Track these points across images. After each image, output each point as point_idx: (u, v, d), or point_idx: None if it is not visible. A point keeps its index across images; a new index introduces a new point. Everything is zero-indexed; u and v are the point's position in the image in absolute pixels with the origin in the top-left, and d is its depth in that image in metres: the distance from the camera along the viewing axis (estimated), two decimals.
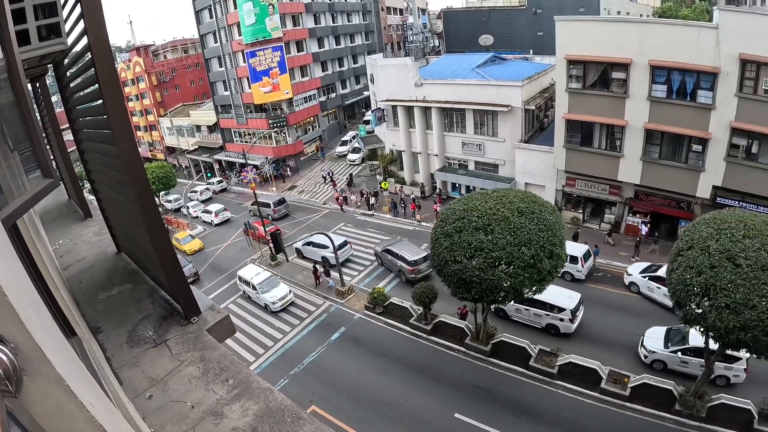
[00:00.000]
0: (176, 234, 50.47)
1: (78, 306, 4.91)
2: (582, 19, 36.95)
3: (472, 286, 22.68)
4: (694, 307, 19.54)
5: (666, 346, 26.57)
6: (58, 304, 3.80)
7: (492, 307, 28.32)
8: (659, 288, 31.31)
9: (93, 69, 3.66)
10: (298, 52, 67.37)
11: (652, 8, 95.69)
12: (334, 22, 74.97)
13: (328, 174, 61.32)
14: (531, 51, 66.89)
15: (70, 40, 4.43)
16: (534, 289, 23.17)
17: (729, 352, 21.84)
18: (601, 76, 36.19)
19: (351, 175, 61.56)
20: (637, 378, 24.85)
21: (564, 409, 24.60)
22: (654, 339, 27.19)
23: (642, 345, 27.49)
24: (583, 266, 34.52)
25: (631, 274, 33.81)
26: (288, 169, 67.30)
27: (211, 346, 4.28)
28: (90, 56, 3.64)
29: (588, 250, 35.78)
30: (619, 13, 75.37)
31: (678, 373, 25.98)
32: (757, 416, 22.50)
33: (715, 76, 32.14)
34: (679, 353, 26.01)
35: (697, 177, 35.25)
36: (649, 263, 34.36)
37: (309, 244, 40.56)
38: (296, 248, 41.69)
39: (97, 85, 3.73)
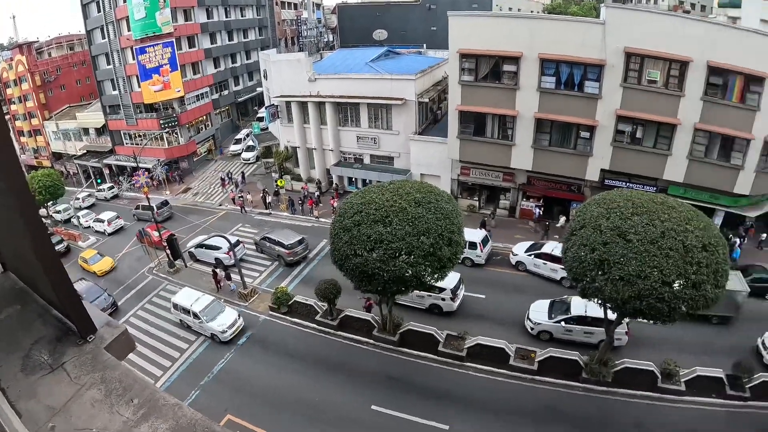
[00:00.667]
0: (82, 253, 45.04)
1: None
2: (474, 15, 38.21)
3: (374, 278, 22.93)
4: (590, 281, 20.76)
5: (550, 317, 28.47)
6: None
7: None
8: (545, 264, 33.90)
9: None
10: (190, 48, 65.28)
11: (543, 5, 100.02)
12: (227, 17, 73.34)
13: (227, 175, 59.45)
14: (425, 45, 68.11)
15: None
16: (435, 276, 23.69)
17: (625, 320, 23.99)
18: (492, 69, 37.56)
19: (243, 173, 60.28)
20: (544, 352, 26.26)
21: (477, 389, 25.60)
22: (539, 312, 29.06)
23: (528, 318, 29.24)
24: (482, 251, 35.92)
25: (516, 254, 35.87)
26: (179, 170, 64.71)
27: (112, 365, 4.05)
28: None
29: (486, 235, 37.33)
30: (510, 9, 78.06)
31: (564, 342, 27.85)
32: (660, 376, 24.61)
33: (601, 68, 34.50)
34: (563, 323, 27.92)
35: (585, 161, 37.49)
36: (533, 242, 36.73)
37: (201, 246, 39.20)
38: (189, 252, 40.18)
39: None
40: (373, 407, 25.00)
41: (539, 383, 25.77)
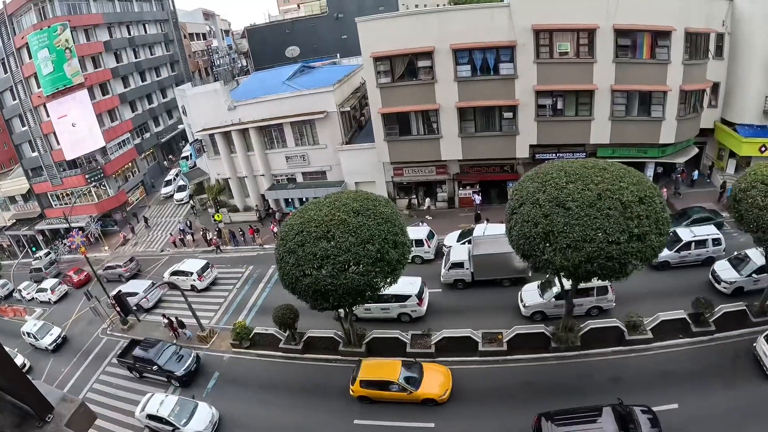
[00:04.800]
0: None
1: None
2: (382, 17, 38.47)
3: (328, 295, 22.90)
4: (539, 254, 21.17)
5: None
6: None
7: None
8: None
9: None
10: (104, 95, 63.39)
11: None
12: (136, 58, 71.60)
13: (186, 225, 55.32)
14: (338, 55, 68.62)
15: None
16: (388, 281, 23.93)
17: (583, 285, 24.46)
18: (408, 68, 38.23)
19: (189, 221, 57.76)
20: (510, 331, 26.80)
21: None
22: None
23: None
24: (429, 247, 36.31)
25: (449, 246, 35.95)
26: (130, 220, 62.76)
27: None
28: None
29: (430, 230, 37.65)
30: (417, 6, 78.67)
31: (367, 321, 30.38)
32: (626, 329, 25.64)
33: (513, 48, 35.66)
34: None
35: (513, 141, 38.59)
36: (461, 230, 37.53)
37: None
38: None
39: None
40: (356, 422, 25.05)
41: (511, 362, 26.34)
